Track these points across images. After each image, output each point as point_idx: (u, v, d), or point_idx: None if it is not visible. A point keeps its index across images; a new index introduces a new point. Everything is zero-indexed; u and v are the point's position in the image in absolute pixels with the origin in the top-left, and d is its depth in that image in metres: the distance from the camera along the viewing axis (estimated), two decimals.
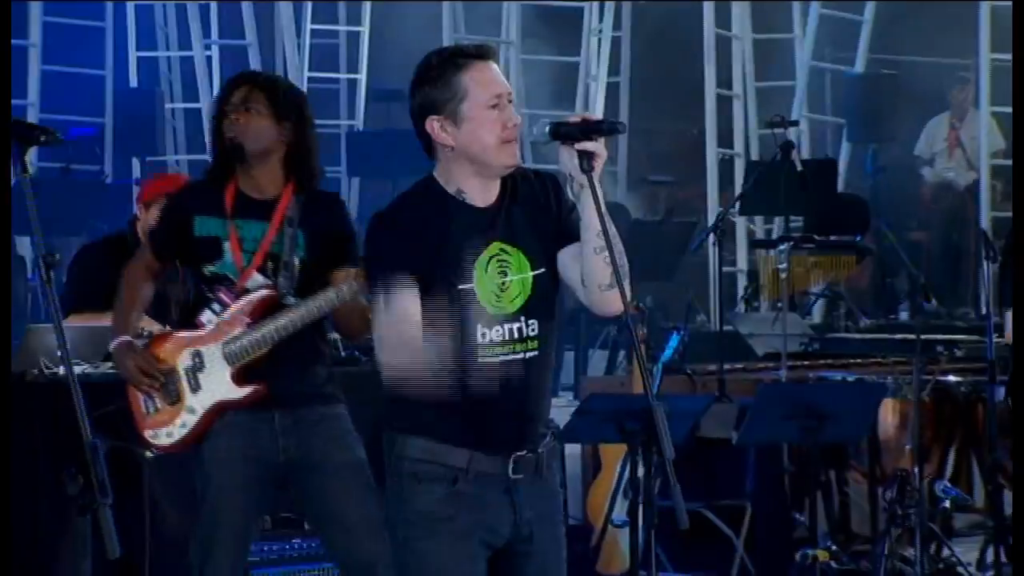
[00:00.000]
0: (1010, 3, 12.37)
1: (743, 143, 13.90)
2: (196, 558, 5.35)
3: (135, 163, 13.42)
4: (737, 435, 7.07)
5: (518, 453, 3.90)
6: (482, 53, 3.95)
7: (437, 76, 3.91)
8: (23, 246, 11.62)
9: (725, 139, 13.65)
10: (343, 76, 15.36)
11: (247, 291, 5.25)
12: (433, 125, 3.90)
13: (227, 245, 5.28)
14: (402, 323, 3.83)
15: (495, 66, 3.95)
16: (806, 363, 9.49)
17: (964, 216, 13.74)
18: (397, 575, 4.09)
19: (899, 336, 9.45)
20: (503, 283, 3.92)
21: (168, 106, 13.74)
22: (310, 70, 14.27)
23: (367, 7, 14.59)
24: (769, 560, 7.87)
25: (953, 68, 14.29)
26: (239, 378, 5.22)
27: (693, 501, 8.09)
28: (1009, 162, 12.86)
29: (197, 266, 5.39)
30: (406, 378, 3.85)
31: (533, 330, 3.95)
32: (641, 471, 7.47)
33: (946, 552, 8.20)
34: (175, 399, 5.31)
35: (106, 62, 13.72)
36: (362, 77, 14.83)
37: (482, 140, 3.87)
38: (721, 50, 13.71)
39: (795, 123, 10.28)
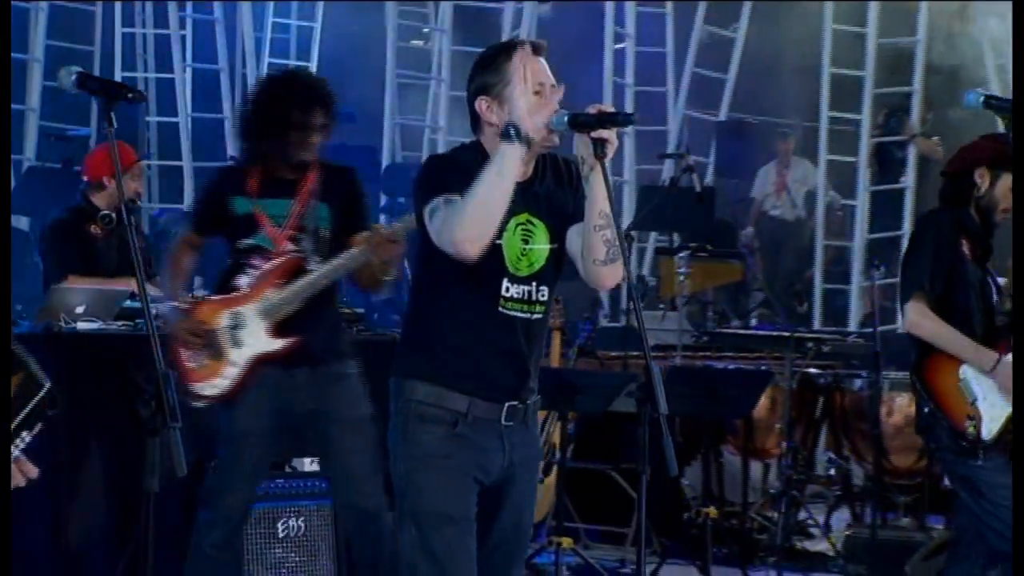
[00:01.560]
0: (848, 71, 12.68)
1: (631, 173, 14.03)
2: (214, 486, 5.35)
3: None
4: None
5: (511, 403, 3.89)
6: (534, 48, 3.90)
7: (490, 63, 3.90)
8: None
9: (616, 168, 13.66)
10: None
11: (279, 257, 5.22)
12: (481, 105, 3.88)
13: (260, 221, 5.24)
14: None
15: (543, 60, 3.89)
16: (697, 353, 9.65)
17: (798, 244, 13.91)
18: (397, 504, 4.03)
19: (775, 333, 9.54)
20: (524, 249, 3.88)
21: (145, 119, 13.48)
22: None
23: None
24: (662, 516, 7.90)
25: (784, 124, 14.47)
26: (274, 332, 5.16)
27: (602, 463, 8.17)
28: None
29: (234, 240, 5.34)
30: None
31: (542, 295, 3.93)
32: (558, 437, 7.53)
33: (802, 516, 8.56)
34: (218, 355, 5.24)
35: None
36: None
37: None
38: (616, 97, 13.79)
39: (685, 154, 10.29)
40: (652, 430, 3.62)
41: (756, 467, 8.74)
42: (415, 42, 15.49)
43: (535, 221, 3.91)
